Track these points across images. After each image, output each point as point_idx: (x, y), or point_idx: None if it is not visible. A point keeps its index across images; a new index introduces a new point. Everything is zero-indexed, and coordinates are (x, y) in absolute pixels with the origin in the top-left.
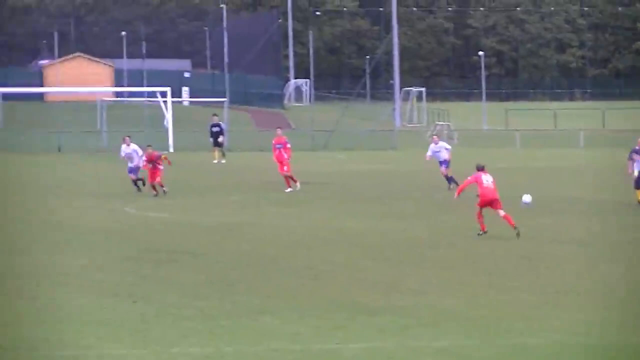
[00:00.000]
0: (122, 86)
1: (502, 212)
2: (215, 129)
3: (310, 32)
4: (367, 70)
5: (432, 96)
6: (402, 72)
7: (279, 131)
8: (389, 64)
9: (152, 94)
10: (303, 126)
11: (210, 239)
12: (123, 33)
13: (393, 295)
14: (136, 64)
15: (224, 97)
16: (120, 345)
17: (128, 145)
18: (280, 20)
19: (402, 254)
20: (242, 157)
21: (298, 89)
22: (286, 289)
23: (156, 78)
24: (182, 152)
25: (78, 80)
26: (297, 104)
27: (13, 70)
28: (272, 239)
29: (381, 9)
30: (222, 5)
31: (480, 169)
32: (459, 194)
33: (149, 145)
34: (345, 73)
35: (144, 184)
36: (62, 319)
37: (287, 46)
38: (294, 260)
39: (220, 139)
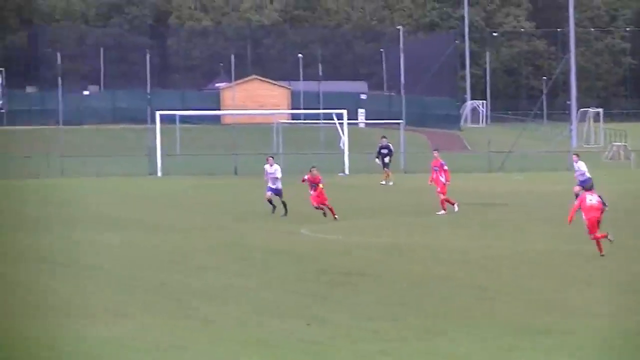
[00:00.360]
0: (299, 108)
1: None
2: (384, 151)
3: (487, 53)
4: (544, 91)
5: (609, 116)
6: (579, 93)
7: (435, 153)
8: (566, 84)
9: (328, 116)
10: (479, 147)
11: (384, 260)
12: (300, 55)
13: (566, 316)
14: (312, 86)
15: (400, 119)
16: None
17: (271, 165)
18: (457, 42)
19: (576, 274)
20: (418, 179)
21: (474, 110)
22: (458, 309)
23: (332, 100)
24: (358, 174)
25: (254, 102)
26: (473, 125)
27: (190, 94)
28: (445, 260)
29: (558, 29)
30: (398, 27)
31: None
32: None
33: (313, 167)
34: (522, 94)
35: (286, 209)
36: (234, 339)
37: (463, 67)
38: (466, 280)
39: (386, 160)
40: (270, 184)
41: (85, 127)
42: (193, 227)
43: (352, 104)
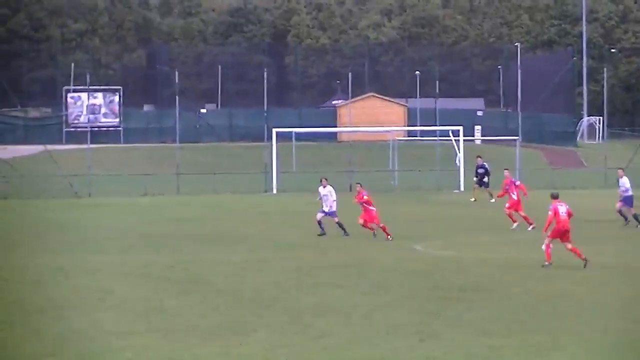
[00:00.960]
0: (415, 125)
1: (569, 245)
2: (480, 170)
3: (605, 69)
4: None
5: None
6: None
7: (506, 173)
8: None
9: (445, 133)
10: (596, 164)
11: (499, 276)
12: (417, 72)
13: None
14: (429, 103)
15: (517, 136)
16: None
17: (324, 187)
18: (574, 59)
19: None
20: (535, 195)
21: (591, 127)
22: (574, 325)
23: (449, 117)
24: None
25: (371, 119)
26: (589, 142)
27: (307, 111)
28: (563, 276)
29: None
30: (516, 44)
31: (555, 197)
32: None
33: (357, 183)
34: (639, 110)
35: (344, 230)
36: (347, 356)
37: (580, 84)
38: (584, 296)
39: (485, 180)
40: (323, 207)
41: (202, 144)
42: (311, 244)
43: (468, 120)
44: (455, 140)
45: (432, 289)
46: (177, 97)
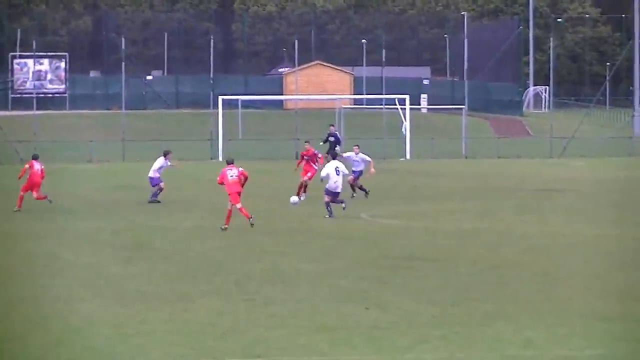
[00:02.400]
0: (361, 94)
1: (239, 205)
2: (331, 139)
3: (551, 39)
4: (607, 77)
5: None
6: None
7: (306, 145)
8: (630, 70)
9: (391, 102)
10: (541, 133)
11: (446, 245)
12: (363, 41)
13: (631, 303)
14: (375, 71)
15: (463, 105)
16: (353, 350)
17: (357, 154)
18: (521, 28)
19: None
20: (481, 164)
21: (537, 96)
22: (521, 294)
23: (395, 85)
24: (420, 159)
25: (317, 87)
26: (535, 111)
27: (253, 79)
28: (509, 245)
29: (624, 15)
30: (463, 13)
31: (230, 162)
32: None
33: (306, 142)
34: (585, 80)
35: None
36: (293, 323)
37: (527, 53)
38: (530, 266)
39: (337, 149)
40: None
41: (148, 111)
42: (256, 211)
43: (414, 89)
44: (401, 108)
45: (378, 257)
46: (123, 64)
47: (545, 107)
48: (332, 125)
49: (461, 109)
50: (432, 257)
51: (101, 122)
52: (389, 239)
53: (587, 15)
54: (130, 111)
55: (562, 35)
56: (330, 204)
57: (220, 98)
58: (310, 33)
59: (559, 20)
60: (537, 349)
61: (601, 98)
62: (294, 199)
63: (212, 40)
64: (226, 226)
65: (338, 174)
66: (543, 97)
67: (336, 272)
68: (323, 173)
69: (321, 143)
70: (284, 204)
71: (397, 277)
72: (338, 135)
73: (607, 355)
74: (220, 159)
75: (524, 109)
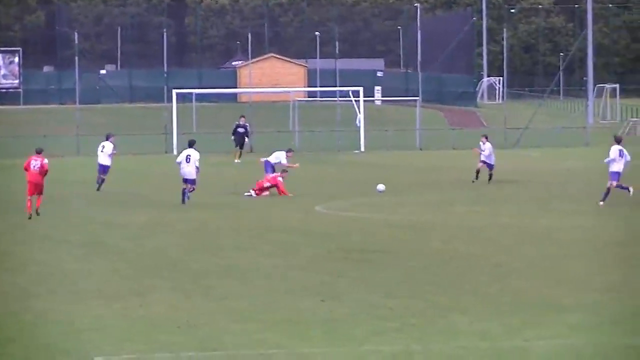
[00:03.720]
0: (315, 86)
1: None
2: (240, 130)
3: (505, 29)
4: (561, 67)
5: (626, 92)
6: (596, 69)
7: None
8: (583, 60)
9: (345, 94)
10: (495, 124)
11: (402, 238)
12: (317, 33)
13: (585, 292)
14: (329, 63)
15: (417, 96)
16: (309, 343)
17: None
18: (474, 19)
19: (594, 251)
20: (436, 156)
21: (491, 87)
22: (476, 286)
23: (349, 78)
24: (374, 152)
25: (271, 80)
26: (489, 102)
27: (207, 72)
28: (464, 237)
29: (576, 5)
30: (416, 4)
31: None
32: None
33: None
34: (539, 70)
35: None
36: (249, 317)
37: (480, 44)
38: (484, 257)
39: (246, 140)
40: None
41: (102, 106)
42: (211, 206)
43: (368, 81)
44: (355, 100)
45: (334, 250)
46: (77, 59)
47: (499, 98)
48: (243, 117)
49: (415, 100)
50: (388, 250)
51: (55, 117)
52: (345, 232)
53: (540, 6)
54: (84, 105)
55: (516, 26)
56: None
57: (174, 92)
58: (264, 26)
59: (512, 11)
60: (493, 340)
61: (555, 88)
62: (381, 186)
63: (165, 34)
64: (30, 213)
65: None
66: (497, 88)
67: (292, 266)
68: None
69: (232, 136)
70: (237, 198)
71: (353, 270)
72: (248, 127)
73: (561, 345)
74: (175, 152)
75: (478, 100)
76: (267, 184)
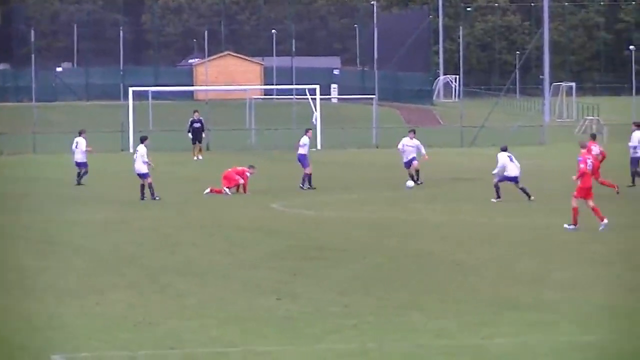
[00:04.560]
0: (271, 84)
1: None
2: (196, 125)
3: (461, 27)
4: (517, 66)
5: (582, 91)
6: (552, 67)
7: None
8: (539, 59)
9: (301, 92)
10: (452, 122)
11: (358, 235)
12: (273, 31)
13: (541, 291)
14: (286, 61)
15: (373, 94)
16: (265, 341)
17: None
18: (430, 17)
19: (551, 248)
20: (392, 154)
21: (447, 85)
22: (433, 284)
23: (305, 76)
24: (330, 150)
25: (228, 78)
26: (446, 100)
27: (163, 70)
28: (420, 235)
29: (532, 4)
30: (372, 2)
31: None
32: None
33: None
34: (495, 68)
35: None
36: (205, 314)
37: (437, 42)
38: (441, 255)
39: (203, 135)
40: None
41: (58, 103)
42: (167, 203)
43: (325, 79)
44: (311, 98)
45: (289, 248)
46: (33, 56)
47: (455, 96)
48: (196, 112)
49: (372, 98)
50: (344, 248)
51: (11, 115)
52: (301, 230)
53: (496, 4)
54: (40, 103)
55: (472, 24)
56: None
57: (130, 89)
58: (220, 24)
59: (468, 9)
60: (449, 338)
61: (511, 87)
62: (410, 183)
63: (121, 32)
64: None
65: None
66: (453, 86)
67: (248, 264)
68: None
69: (189, 133)
70: (195, 196)
71: (309, 268)
72: (202, 121)
73: (519, 343)
74: (131, 150)
75: (434, 98)
76: (237, 177)
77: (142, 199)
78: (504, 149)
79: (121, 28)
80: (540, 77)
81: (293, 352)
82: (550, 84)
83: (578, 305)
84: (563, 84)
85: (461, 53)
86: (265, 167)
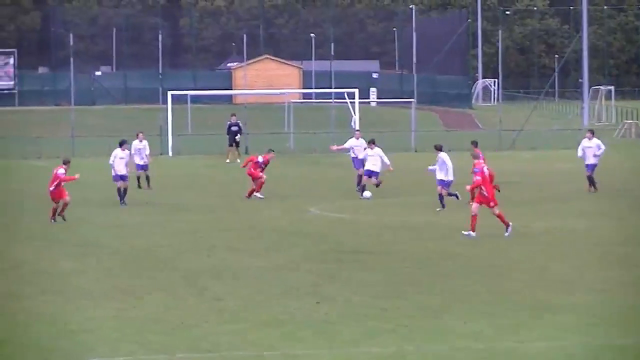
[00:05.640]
0: (310, 88)
1: None
2: (234, 128)
3: (500, 31)
4: (556, 69)
5: (621, 94)
6: (591, 71)
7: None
8: (578, 62)
9: (340, 95)
10: (490, 126)
11: (394, 239)
12: (312, 35)
13: (576, 294)
14: (324, 65)
15: (412, 98)
16: (303, 345)
17: (141, 141)
18: (469, 20)
19: (586, 252)
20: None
21: (486, 89)
22: (469, 287)
23: (344, 79)
24: None
25: (266, 82)
26: (484, 104)
27: (202, 73)
28: (456, 238)
29: (571, 7)
30: (411, 6)
31: None
32: None
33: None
34: (534, 72)
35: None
36: (242, 318)
37: (475, 46)
38: (477, 258)
39: (237, 138)
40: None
41: (97, 107)
42: (206, 207)
43: (363, 83)
44: (350, 102)
45: (326, 251)
46: (71, 60)
47: (494, 100)
48: (234, 115)
49: (410, 102)
50: (381, 251)
51: (50, 118)
52: (337, 233)
53: (535, 8)
54: (79, 107)
55: (511, 28)
56: None
57: (169, 93)
58: (259, 27)
59: (507, 12)
60: (485, 341)
61: (550, 90)
62: (367, 194)
63: (160, 36)
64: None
65: None
66: (492, 89)
67: (285, 267)
68: None
69: (228, 136)
70: (232, 199)
71: (346, 271)
72: (240, 124)
73: (554, 347)
74: (170, 154)
75: (472, 101)
76: (260, 174)
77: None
78: (439, 149)
79: (160, 32)
80: (579, 80)
81: (330, 355)
82: (589, 87)
83: (613, 307)
84: (602, 87)
85: (500, 56)
86: (303, 171)
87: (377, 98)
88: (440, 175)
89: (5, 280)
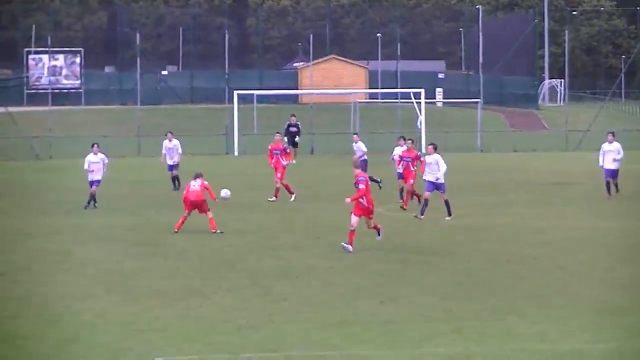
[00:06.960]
0: (376, 88)
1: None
2: (292, 129)
3: (566, 32)
4: (623, 70)
5: None
6: None
7: (277, 137)
8: None
9: (406, 95)
10: (557, 126)
11: (460, 239)
12: (378, 35)
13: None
14: (390, 65)
15: (478, 98)
16: (366, 345)
17: (170, 140)
18: (536, 21)
19: None
20: (497, 158)
21: (552, 89)
22: (534, 288)
23: (410, 79)
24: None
25: (332, 82)
26: (551, 104)
27: (268, 73)
28: (522, 239)
29: (638, 8)
30: (477, 6)
31: None
32: None
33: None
34: (601, 73)
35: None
36: (307, 318)
37: (542, 46)
38: (542, 260)
39: (296, 139)
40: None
41: (163, 107)
42: (271, 206)
43: (429, 83)
44: (416, 102)
45: (391, 251)
46: (138, 59)
47: (560, 101)
48: (293, 115)
49: (476, 102)
50: (445, 251)
51: (116, 118)
52: (402, 233)
53: (602, 8)
54: (144, 106)
55: (577, 28)
56: None
57: (235, 93)
58: (325, 27)
59: (573, 13)
60: (551, 342)
61: (616, 91)
62: (225, 192)
63: (226, 35)
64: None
65: None
66: (558, 90)
67: (349, 267)
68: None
69: (285, 138)
70: (296, 199)
71: (411, 272)
72: (299, 125)
73: (620, 349)
74: (236, 153)
75: (539, 102)
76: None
77: (90, 205)
78: (434, 148)
79: (226, 31)
80: None
81: (395, 356)
82: None
83: None
84: None
85: (566, 57)
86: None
87: (443, 98)
88: (429, 177)
89: (72, 280)
